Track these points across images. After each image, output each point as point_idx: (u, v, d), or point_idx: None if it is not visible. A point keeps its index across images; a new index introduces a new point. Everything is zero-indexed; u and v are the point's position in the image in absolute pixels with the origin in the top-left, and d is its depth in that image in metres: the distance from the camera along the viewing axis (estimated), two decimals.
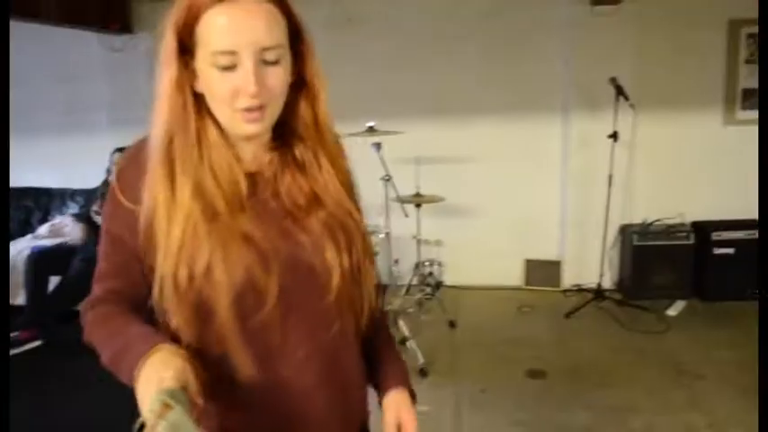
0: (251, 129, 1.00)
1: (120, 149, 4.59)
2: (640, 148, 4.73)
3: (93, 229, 4.51)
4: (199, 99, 1.01)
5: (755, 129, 4.74)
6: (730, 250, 4.53)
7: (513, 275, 5.13)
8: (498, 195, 5.04)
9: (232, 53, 0.94)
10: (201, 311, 1.00)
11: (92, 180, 4.99)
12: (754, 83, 4.79)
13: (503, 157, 5.05)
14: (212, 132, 1.02)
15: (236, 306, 0.98)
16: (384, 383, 1.20)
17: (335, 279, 1.05)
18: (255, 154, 1.08)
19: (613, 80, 4.33)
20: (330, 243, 1.05)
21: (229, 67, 0.95)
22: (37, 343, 4.05)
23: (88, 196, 4.92)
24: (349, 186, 1.14)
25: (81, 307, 1.09)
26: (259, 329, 1.01)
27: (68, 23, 4.64)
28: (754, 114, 4.80)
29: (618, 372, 3.63)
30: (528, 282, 5.11)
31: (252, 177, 1.06)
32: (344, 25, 4.81)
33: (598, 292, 4.63)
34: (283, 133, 1.09)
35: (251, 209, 1.03)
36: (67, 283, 4.29)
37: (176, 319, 1.00)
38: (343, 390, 1.13)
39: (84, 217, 4.71)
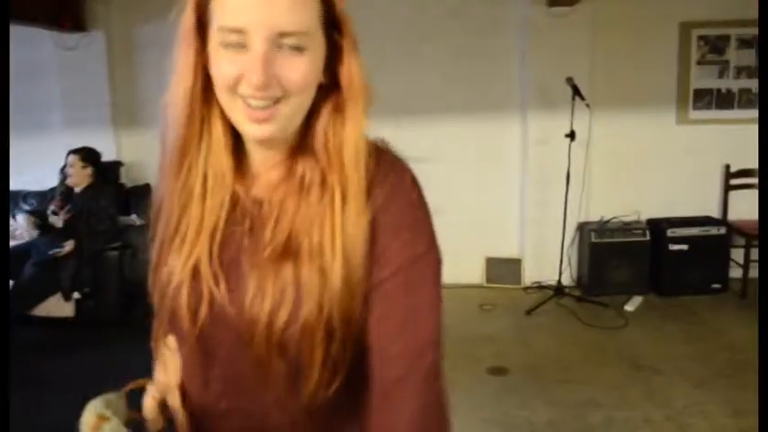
0: (257, 131, 0.83)
1: (75, 151, 4.50)
2: (596, 147, 4.80)
3: (47, 230, 4.40)
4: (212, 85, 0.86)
5: (707, 128, 4.94)
6: (684, 246, 4.64)
7: (474, 273, 5.16)
8: (458, 194, 5.06)
9: (240, 31, 0.79)
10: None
11: (45, 181, 4.88)
12: (704, 83, 4.94)
13: (462, 155, 5.09)
14: (217, 128, 0.89)
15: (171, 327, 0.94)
16: None
17: (258, 334, 0.84)
18: (262, 167, 0.92)
19: (570, 80, 4.39)
20: (269, 298, 0.84)
21: (238, 49, 0.80)
22: None
23: (42, 198, 4.80)
24: (349, 234, 0.84)
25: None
26: (187, 359, 0.96)
27: (20, 21, 4.51)
28: (706, 114, 4.95)
29: (578, 367, 3.69)
30: (489, 279, 5.15)
31: (235, 201, 0.90)
32: None
33: (558, 289, 4.70)
34: (302, 147, 0.89)
35: (221, 235, 0.89)
36: (20, 289, 4.18)
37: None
38: None
39: (37, 218, 4.58)
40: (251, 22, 0.78)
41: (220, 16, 0.81)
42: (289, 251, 0.85)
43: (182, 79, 0.87)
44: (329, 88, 0.87)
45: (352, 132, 0.86)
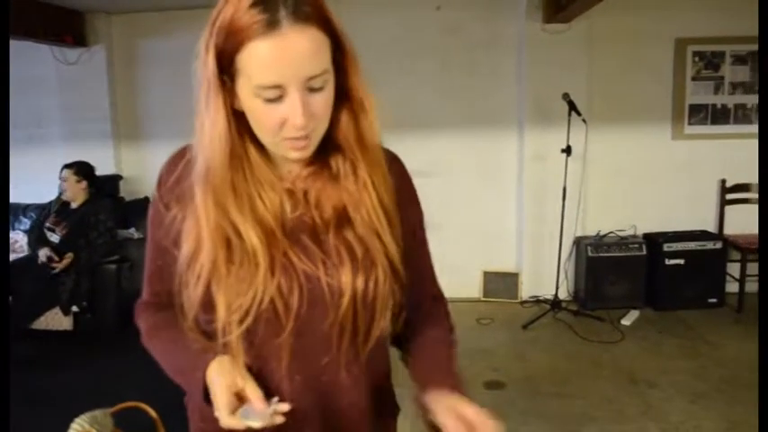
0: (300, 155, 0.98)
1: (66, 166, 4.52)
2: (593, 162, 4.84)
3: (45, 244, 4.42)
4: (237, 116, 0.97)
5: (702, 143, 4.98)
6: (681, 261, 4.66)
7: (472, 288, 5.18)
8: (455, 208, 5.10)
9: (278, 87, 0.89)
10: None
11: (45, 194, 4.90)
12: (699, 99, 4.98)
13: (460, 170, 5.13)
14: (253, 152, 1.00)
15: (247, 331, 0.99)
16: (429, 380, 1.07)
17: (344, 303, 0.99)
18: (292, 168, 1.05)
19: (566, 96, 4.43)
20: (348, 265, 1.00)
21: (275, 99, 0.91)
22: None
23: (41, 211, 4.82)
24: (386, 207, 1.04)
25: (135, 307, 1.18)
26: (266, 354, 1.02)
27: (21, 36, 4.56)
28: (701, 129, 4.99)
29: (574, 382, 3.70)
30: (486, 294, 5.17)
31: (287, 194, 1.03)
32: None
33: (555, 303, 4.71)
34: (326, 146, 1.02)
35: (284, 227, 1.01)
36: (20, 303, 4.19)
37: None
38: (339, 421, 1.07)
39: (36, 232, 4.60)
40: (286, 75, 0.89)
41: (256, 75, 0.90)
42: (343, 223, 1.02)
43: (215, 124, 0.95)
44: (338, 97, 0.99)
45: (365, 124, 1.02)
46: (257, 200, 0.99)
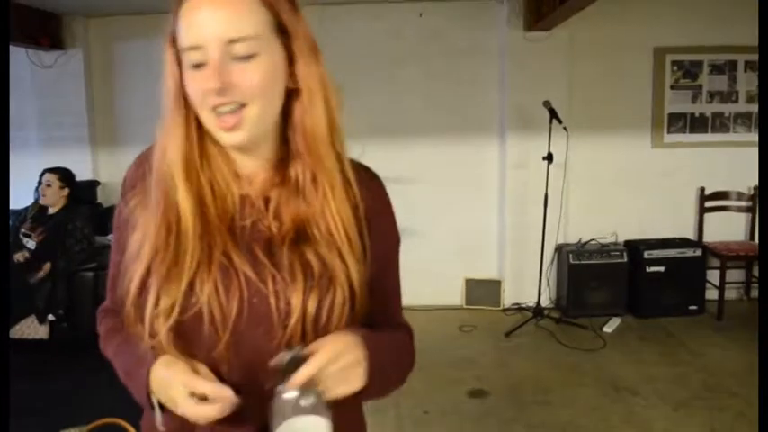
0: (229, 139, 0.91)
1: (49, 170, 4.43)
2: (574, 170, 4.85)
3: (20, 250, 4.32)
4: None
5: (681, 151, 5.02)
6: (661, 268, 4.69)
7: (454, 295, 5.17)
8: (438, 216, 5.09)
9: (197, 48, 0.87)
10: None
11: (20, 200, 4.80)
12: (679, 108, 5.03)
13: (442, 178, 5.12)
14: (210, 144, 0.96)
15: (177, 335, 0.92)
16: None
17: (291, 324, 0.91)
18: (254, 170, 0.99)
19: (547, 103, 4.44)
20: (300, 284, 0.92)
21: (200, 65, 0.88)
22: None
23: (16, 216, 4.71)
24: (346, 223, 0.96)
25: (97, 313, 1.13)
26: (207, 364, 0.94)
27: None
28: (680, 138, 5.04)
29: (557, 389, 3.69)
30: (468, 301, 5.16)
31: (242, 199, 0.98)
32: None
33: (537, 311, 4.71)
34: (286, 151, 0.99)
35: (234, 233, 0.96)
36: None
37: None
38: None
39: (11, 238, 4.49)
40: (205, 36, 0.87)
41: (182, 38, 0.89)
42: (301, 238, 0.94)
43: (171, 107, 0.94)
44: (299, 93, 0.95)
45: (313, 122, 0.95)
46: (207, 189, 0.95)
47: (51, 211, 4.47)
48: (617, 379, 3.78)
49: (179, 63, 0.92)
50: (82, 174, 4.85)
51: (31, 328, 4.22)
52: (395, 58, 5.03)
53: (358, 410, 1.11)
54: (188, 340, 0.92)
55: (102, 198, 5.11)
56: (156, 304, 0.91)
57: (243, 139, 0.92)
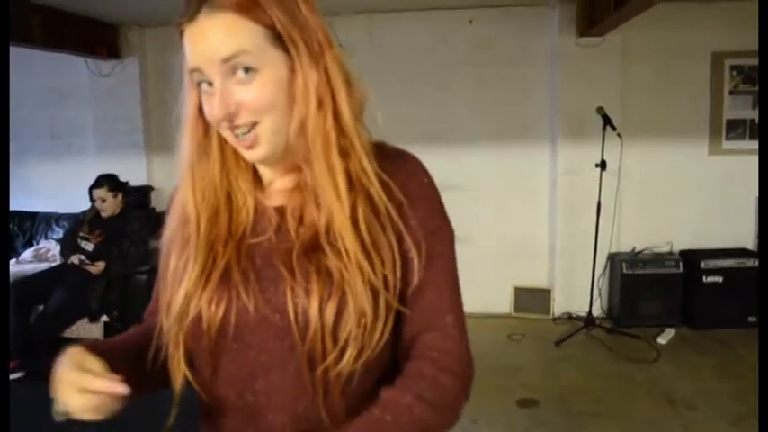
0: (251, 156, 0.92)
1: (94, 186, 4.53)
2: (628, 177, 4.75)
3: (78, 254, 4.44)
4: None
5: (740, 158, 4.87)
6: (718, 278, 4.55)
7: (503, 303, 5.11)
8: (487, 223, 5.05)
9: (197, 70, 0.88)
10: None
11: (78, 205, 4.94)
12: (737, 114, 4.88)
13: (492, 185, 5.08)
14: (230, 157, 0.97)
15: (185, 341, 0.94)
16: None
17: (310, 334, 0.88)
18: (272, 177, 0.99)
19: (600, 109, 4.36)
20: (316, 295, 0.88)
21: (208, 87, 0.89)
22: (19, 374, 3.93)
23: (74, 221, 4.85)
24: (369, 223, 0.91)
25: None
26: (223, 390, 0.97)
27: (55, 47, 4.62)
28: (739, 144, 4.88)
29: (609, 401, 3.60)
30: (517, 309, 5.09)
31: (258, 210, 0.98)
32: None
33: (588, 320, 4.61)
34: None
35: (247, 246, 0.95)
36: (49, 312, 4.20)
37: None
38: None
39: (69, 240, 4.62)
40: (200, 58, 0.86)
41: (188, 62, 0.89)
42: (319, 247, 0.90)
43: (191, 126, 0.95)
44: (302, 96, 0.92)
45: (319, 127, 0.90)
46: (222, 200, 0.97)
47: (107, 215, 4.57)
48: (672, 392, 3.67)
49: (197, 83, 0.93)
50: (137, 179, 4.97)
51: (86, 329, 4.32)
52: (444, 65, 5.02)
53: None
54: (192, 348, 0.95)
55: (156, 203, 5.23)
56: (168, 311, 0.95)
57: (263, 154, 0.91)
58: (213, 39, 0.86)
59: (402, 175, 0.95)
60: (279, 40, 0.88)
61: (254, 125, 0.88)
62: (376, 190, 0.91)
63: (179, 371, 0.95)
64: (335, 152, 0.90)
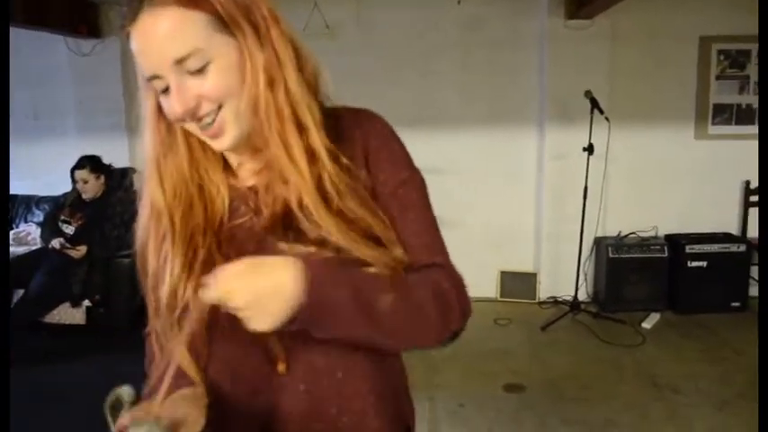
0: (218, 145, 0.92)
1: (77, 166, 4.45)
2: (615, 162, 4.74)
3: (59, 236, 4.36)
4: None
5: (726, 143, 4.88)
6: (703, 263, 4.56)
7: (489, 287, 5.10)
8: (473, 207, 5.02)
9: (157, 77, 0.87)
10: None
11: (58, 187, 4.85)
12: (724, 98, 4.88)
13: (478, 168, 5.05)
14: (197, 149, 0.97)
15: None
16: None
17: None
18: (243, 159, 0.99)
19: (588, 93, 4.34)
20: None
21: (165, 89, 0.88)
22: None
23: (55, 204, 4.77)
24: (341, 183, 0.92)
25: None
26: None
27: (35, 26, 4.51)
28: (725, 129, 4.89)
29: (595, 385, 3.61)
30: (503, 294, 5.09)
31: (232, 196, 0.98)
32: (321, 36, 4.72)
33: (574, 305, 4.62)
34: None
35: (228, 231, 0.96)
36: (30, 297, 4.14)
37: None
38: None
39: (50, 224, 4.54)
40: (155, 64, 0.85)
41: (141, 67, 0.88)
42: (295, 218, 0.90)
43: (152, 123, 0.95)
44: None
45: (269, 103, 0.89)
46: (195, 192, 0.96)
47: (88, 197, 4.49)
48: (657, 376, 3.68)
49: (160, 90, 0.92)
50: (119, 161, 4.88)
51: (68, 313, 4.27)
52: (432, 47, 4.96)
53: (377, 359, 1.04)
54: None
55: (138, 185, 5.14)
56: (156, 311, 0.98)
57: (230, 141, 0.91)
58: (161, 39, 0.84)
59: (362, 132, 0.97)
60: (224, 24, 0.87)
61: (217, 112, 0.88)
62: (336, 156, 0.91)
63: (190, 363, 0.96)
64: (291, 128, 0.90)
